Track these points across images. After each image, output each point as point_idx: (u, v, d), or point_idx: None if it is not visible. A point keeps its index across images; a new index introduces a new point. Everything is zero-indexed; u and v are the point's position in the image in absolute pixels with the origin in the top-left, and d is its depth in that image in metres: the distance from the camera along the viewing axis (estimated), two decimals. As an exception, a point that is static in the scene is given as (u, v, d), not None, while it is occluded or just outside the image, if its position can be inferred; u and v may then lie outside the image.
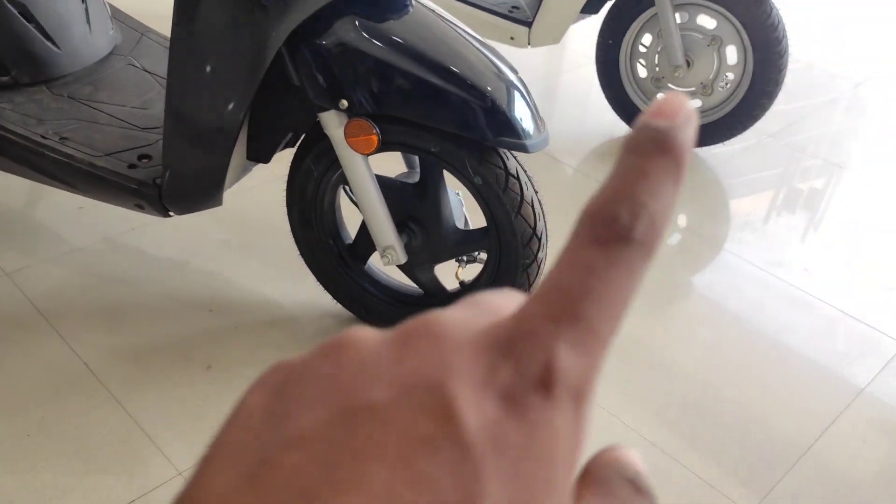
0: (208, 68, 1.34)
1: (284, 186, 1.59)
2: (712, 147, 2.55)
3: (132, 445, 1.42)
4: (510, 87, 1.35)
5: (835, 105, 2.99)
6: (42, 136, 1.52)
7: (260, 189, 2.04)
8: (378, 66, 1.30)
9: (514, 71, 1.40)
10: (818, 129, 2.81)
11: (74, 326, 1.66)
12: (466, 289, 1.60)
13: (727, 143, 2.52)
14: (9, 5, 1.60)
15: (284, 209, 1.61)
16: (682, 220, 2.24)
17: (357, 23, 1.30)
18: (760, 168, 2.54)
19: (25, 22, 1.62)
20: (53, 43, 1.67)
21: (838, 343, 1.84)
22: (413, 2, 1.37)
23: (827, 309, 1.94)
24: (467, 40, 1.36)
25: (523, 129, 1.34)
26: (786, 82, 2.32)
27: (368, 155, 1.39)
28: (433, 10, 1.39)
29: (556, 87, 2.99)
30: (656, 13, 2.32)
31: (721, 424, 1.59)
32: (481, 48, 1.37)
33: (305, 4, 1.26)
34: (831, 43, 3.54)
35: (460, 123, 1.32)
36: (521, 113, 1.35)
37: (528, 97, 1.39)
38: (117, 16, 1.92)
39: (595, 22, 2.51)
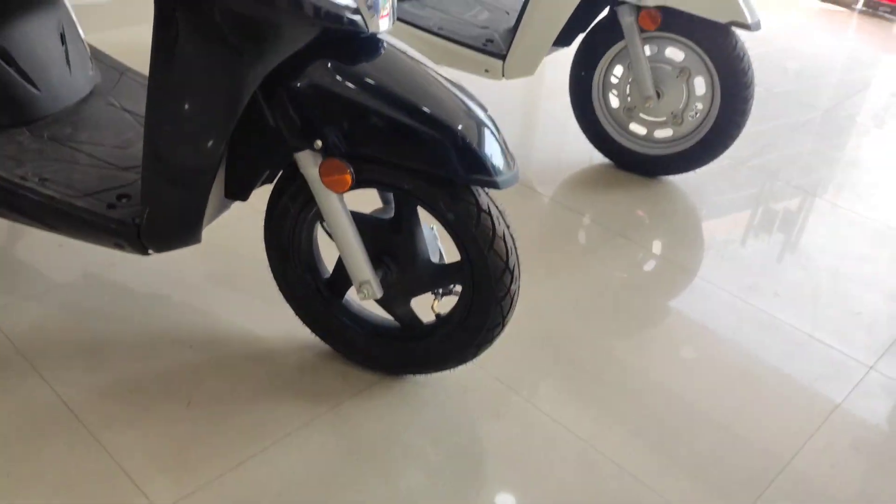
0: (185, 110, 1.37)
1: (263, 220, 1.62)
2: (685, 175, 2.61)
3: (113, 485, 1.43)
4: (480, 125, 1.39)
5: (805, 130, 3.06)
6: (21, 178, 1.54)
7: (240, 223, 2.07)
8: (351, 108, 1.33)
9: (484, 109, 1.44)
10: (789, 154, 2.87)
11: (54, 364, 1.67)
12: (442, 321, 1.63)
13: (697, 170, 2.58)
14: (-11, 49, 1.63)
15: (263, 233, 1.64)
16: (656, 246, 2.29)
17: (330, 65, 1.34)
18: (732, 194, 2.60)
19: (5, 65, 1.65)
20: (34, 85, 1.69)
21: (808, 366, 1.88)
22: (385, 44, 1.41)
23: (796, 333, 1.98)
24: (438, 80, 1.40)
25: (494, 167, 1.38)
26: (757, 108, 2.39)
27: (343, 193, 1.42)
28: (405, 53, 1.43)
29: (533, 117, 3.05)
30: (626, 46, 2.38)
31: (694, 448, 1.62)
32: (451, 88, 1.41)
33: (279, 49, 1.30)
34: (802, 73, 3.63)
35: (432, 162, 1.36)
36: (492, 150, 1.39)
37: (497, 134, 1.42)
38: (97, 55, 1.95)
39: (570, 53, 2.57)
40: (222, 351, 1.75)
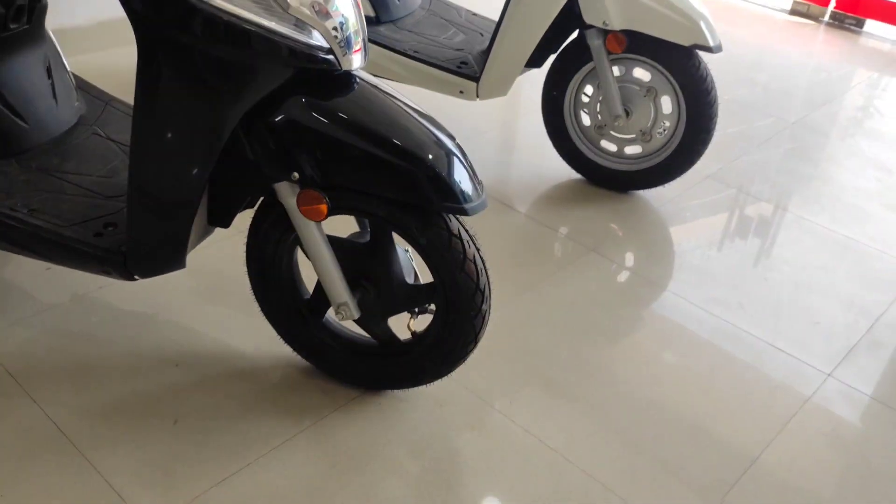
0: (169, 144, 1.44)
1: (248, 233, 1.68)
2: (654, 189, 2.70)
3: (103, 503, 1.49)
4: (449, 154, 1.47)
5: (772, 142, 3.17)
6: (10, 209, 1.60)
7: (224, 243, 2.14)
8: (325, 141, 1.41)
9: (452, 138, 1.52)
10: (756, 167, 2.97)
11: (44, 386, 1.73)
12: (418, 339, 1.70)
13: (667, 185, 2.67)
14: (-23, 85, 1.69)
15: (244, 254, 1.70)
16: (627, 260, 2.37)
17: (305, 101, 1.42)
18: (700, 208, 2.69)
19: (-6, 100, 1.72)
20: (21, 118, 1.76)
21: (769, 374, 1.97)
22: (358, 79, 1.49)
23: (758, 343, 2.07)
24: (408, 113, 1.48)
25: (463, 194, 1.46)
26: (725, 121, 2.47)
27: (320, 221, 1.50)
28: (376, 86, 1.50)
29: (507, 136, 3.13)
30: (595, 67, 2.47)
31: (661, 456, 1.71)
32: (421, 119, 1.49)
33: (257, 88, 1.37)
34: (770, 86, 3.74)
35: (404, 191, 1.44)
36: (460, 178, 1.47)
37: (466, 163, 1.51)
38: (82, 85, 2.02)
39: (543, 73, 2.66)
40: (208, 369, 1.82)
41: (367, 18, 2.70)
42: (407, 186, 1.43)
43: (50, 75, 1.85)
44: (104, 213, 1.65)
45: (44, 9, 1.79)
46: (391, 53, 2.59)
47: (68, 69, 1.96)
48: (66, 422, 1.65)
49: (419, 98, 2.86)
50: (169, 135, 1.43)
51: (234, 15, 1.29)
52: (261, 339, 1.89)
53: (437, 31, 2.79)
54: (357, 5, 1.48)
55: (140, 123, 1.44)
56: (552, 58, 2.60)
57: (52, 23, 1.94)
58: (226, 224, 1.63)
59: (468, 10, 3.00)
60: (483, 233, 2.37)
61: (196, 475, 1.57)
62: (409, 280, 1.66)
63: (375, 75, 2.62)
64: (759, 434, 1.80)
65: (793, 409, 1.87)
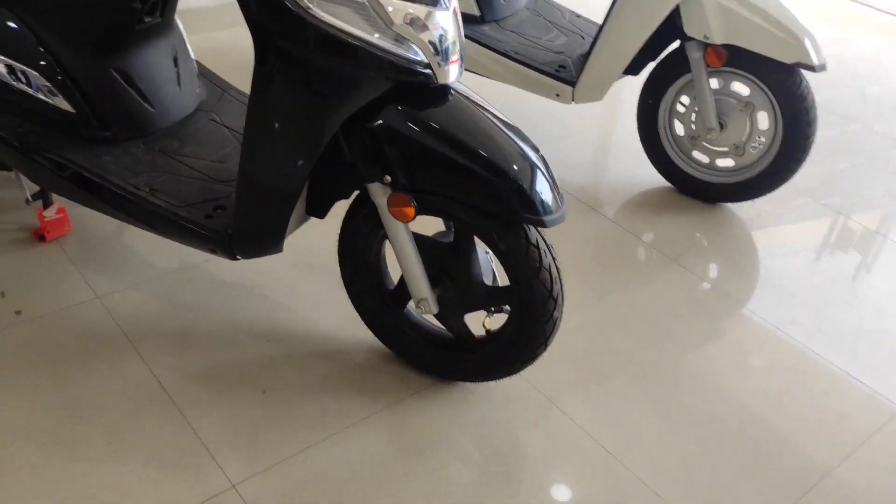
0: (276, 139, 1.57)
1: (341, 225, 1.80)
2: (743, 203, 2.69)
3: (195, 458, 1.66)
4: (533, 167, 1.55)
5: (874, 162, 3.08)
6: (135, 187, 1.78)
7: (322, 226, 2.28)
8: (417, 149, 1.51)
9: (537, 150, 1.60)
10: (852, 186, 2.91)
11: (152, 347, 1.92)
12: (492, 337, 1.80)
13: (758, 199, 2.65)
14: (114, 72, 1.87)
15: (337, 243, 1.83)
16: (708, 272, 2.39)
17: (401, 110, 1.52)
18: (788, 225, 2.66)
19: (126, 86, 1.90)
20: (149, 103, 1.94)
21: (839, 401, 1.97)
22: (452, 91, 1.58)
23: (833, 369, 2.06)
24: (497, 124, 1.56)
25: (543, 206, 1.53)
26: (826, 136, 2.42)
27: (407, 222, 1.61)
28: (468, 98, 1.59)
29: (602, 138, 3.16)
30: (693, 79, 2.48)
31: (717, 473, 1.75)
32: (508, 132, 1.57)
33: (358, 97, 1.49)
34: (883, 99, 3.61)
35: (487, 201, 1.53)
36: (542, 191, 1.54)
37: (548, 176, 1.58)
38: (203, 72, 2.19)
39: (639, 80, 2.68)
40: (296, 346, 1.97)
41: (471, 17, 2.78)
42: (491, 196, 1.52)
43: (176, 63, 2.02)
44: (215, 197, 1.81)
45: (174, 2, 1.96)
46: (492, 53, 2.67)
47: (192, 57, 2.13)
48: (169, 381, 1.83)
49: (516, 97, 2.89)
50: (277, 131, 1.56)
51: (341, 30, 1.41)
52: (346, 321, 2.03)
53: (540, 32, 2.85)
54: (456, 16, 1.56)
55: (252, 117, 1.58)
56: (650, 66, 2.62)
57: (179, 4, 2.10)
58: (321, 215, 1.76)
59: (572, 12, 3.04)
60: (567, 234, 2.44)
61: (279, 442, 1.72)
62: (488, 281, 1.75)
63: (474, 72, 2.72)
64: (821, 461, 1.81)
65: (860, 439, 1.87)
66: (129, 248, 2.23)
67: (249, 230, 1.71)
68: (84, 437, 1.68)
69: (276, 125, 1.55)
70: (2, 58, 1.83)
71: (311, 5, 1.39)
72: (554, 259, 1.65)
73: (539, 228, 1.63)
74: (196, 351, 1.92)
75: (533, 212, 1.53)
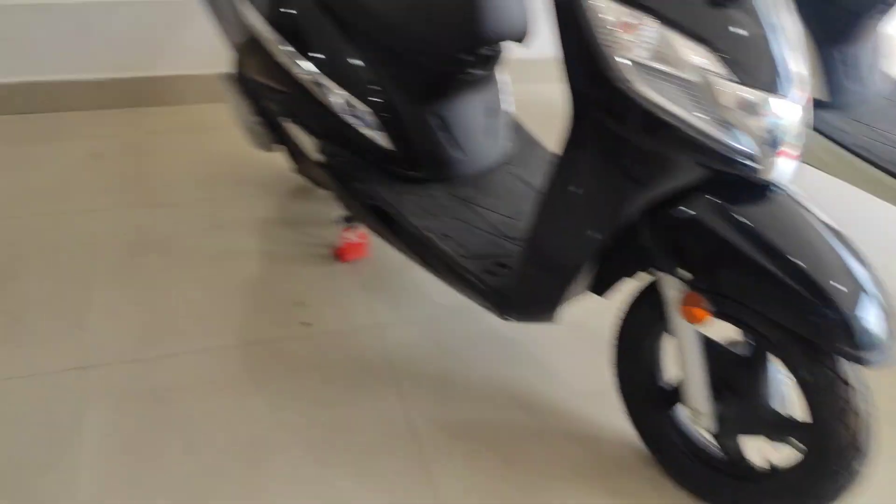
0: (573, 207, 1.49)
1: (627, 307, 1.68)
2: None
3: (426, 512, 1.63)
4: (858, 290, 1.30)
5: None
6: (427, 229, 1.81)
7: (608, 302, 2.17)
8: (724, 249, 1.33)
9: (868, 268, 1.34)
10: None
11: (410, 386, 1.93)
12: (773, 472, 1.55)
13: None
14: (432, 116, 1.94)
15: (615, 323, 1.71)
16: None
17: (712, 201, 1.36)
18: None
19: (443, 130, 1.95)
20: (461, 149, 1.97)
21: None
22: (774, 188, 1.38)
23: None
24: (823, 236, 1.34)
25: (865, 340, 1.27)
26: None
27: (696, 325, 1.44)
28: (793, 198, 1.38)
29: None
30: None
31: None
32: (835, 244, 1.33)
33: (670, 181, 1.36)
34: None
35: (799, 323, 1.30)
36: (867, 321, 1.28)
37: (881, 304, 1.31)
38: (515, 127, 2.19)
39: None
40: (549, 423, 1.86)
41: (818, 102, 2.49)
42: (804, 319, 1.30)
43: (491, 114, 2.04)
44: (500, 253, 1.78)
45: (500, 57, 1.98)
46: (833, 145, 2.36)
47: (510, 109, 2.14)
48: (420, 426, 1.82)
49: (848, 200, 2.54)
50: (575, 198, 1.48)
51: (660, 107, 1.28)
52: (609, 407, 1.88)
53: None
54: (807, 101, 1.37)
55: (553, 180, 1.52)
56: None
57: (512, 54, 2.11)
58: (601, 293, 1.65)
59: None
60: (892, 374, 2.06)
61: (510, 521, 1.63)
62: (778, 408, 1.51)
63: (807, 163, 2.43)
64: None
65: None
66: (417, 283, 2.29)
67: (525, 295, 1.65)
68: (335, 459, 1.72)
69: (576, 192, 1.47)
70: (344, 91, 1.97)
71: (634, 80, 1.29)
72: (867, 404, 1.37)
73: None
74: (452, 402, 1.90)
75: (853, 345, 1.28)
